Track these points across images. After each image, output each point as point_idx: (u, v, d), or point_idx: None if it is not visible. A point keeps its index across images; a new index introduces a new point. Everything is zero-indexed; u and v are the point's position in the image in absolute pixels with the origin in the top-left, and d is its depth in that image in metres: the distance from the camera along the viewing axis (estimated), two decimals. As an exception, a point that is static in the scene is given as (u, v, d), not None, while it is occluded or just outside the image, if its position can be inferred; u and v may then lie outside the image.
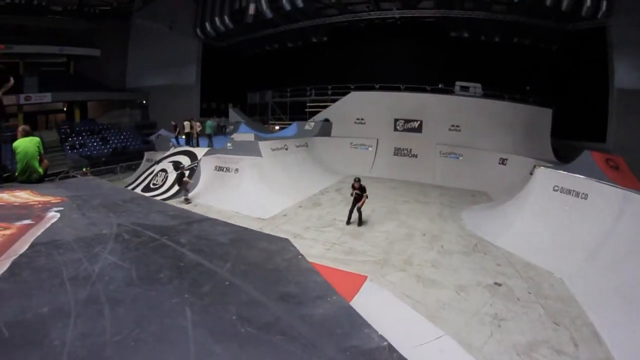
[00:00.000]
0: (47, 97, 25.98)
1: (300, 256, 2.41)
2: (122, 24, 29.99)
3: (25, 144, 5.44)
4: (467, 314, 5.87)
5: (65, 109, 30.26)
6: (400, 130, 19.24)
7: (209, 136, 17.65)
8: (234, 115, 26.75)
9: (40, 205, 3.44)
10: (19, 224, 2.75)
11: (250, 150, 13.76)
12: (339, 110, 20.92)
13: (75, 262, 2.10)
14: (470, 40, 22.32)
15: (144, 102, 31.49)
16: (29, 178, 5.40)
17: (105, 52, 29.96)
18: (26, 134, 5.67)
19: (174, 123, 19.72)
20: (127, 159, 22.32)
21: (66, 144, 24.22)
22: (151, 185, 14.48)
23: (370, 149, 19.02)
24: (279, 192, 12.51)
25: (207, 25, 26.20)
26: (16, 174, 5.56)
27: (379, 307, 4.51)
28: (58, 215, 2.99)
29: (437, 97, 19.36)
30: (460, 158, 17.17)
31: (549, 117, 17.51)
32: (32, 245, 2.32)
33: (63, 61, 30.86)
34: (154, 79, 30.41)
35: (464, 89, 19.83)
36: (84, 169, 19.95)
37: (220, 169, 13.59)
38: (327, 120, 20.72)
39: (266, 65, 29.99)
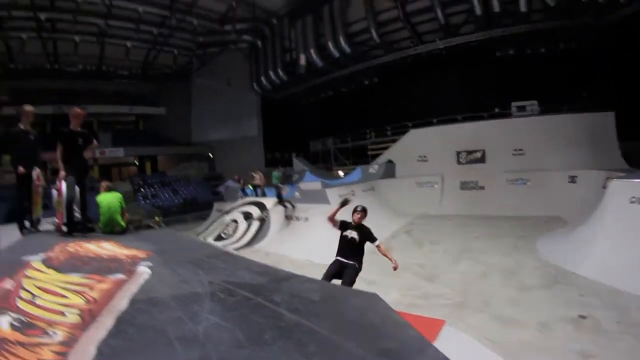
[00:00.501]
0: (119, 151, 28.88)
1: (392, 311, 2.42)
2: (184, 84, 32.49)
3: (109, 199, 6.03)
4: (552, 352, 5.43)
5: (137, 162, 32.87)
6: (464, 163, 18.60)
7: (276, 187, 18.02)
8: (298, 164, 27.22)
9: (129, 260, 3.63)
10: (112, 277, 2.90)
11: (318, 198, 13.87)
12: (400, 150, 20.74)
13: (178, 321, 2.19)
14: (517, 56, 21.60)
15: (210, 155, 33.17)
16: (112, 230, 5.92)
17: (170, 109, 32.65)
18: (109, 190, 6.33)
19: (237, 177, 20.45)
20: (196, 209, 23.25)
21: (139, 194, 26.07)
22: (222, 235, 14.97)
23: (436, 186, 18.49)
24: (350, 238, 12.44)
25: (263, 79, 27.47)
26: (99, 225, 6.05)
27: (459, 352, 4.35)
28: (148, 270, 3.13)
29: (495, 122, 18.75)
30: (528, 183, 16.22)
31: (612, 120, 16.01)
32: (131, 302, 2.44)
33: (132, 119, 34.23)
34: (218, 132, 32.50)
35: (521, 109, 19.00)
36: (157, 218, 20.97)
37: (289, 218, 13.88)
38: (390, 161, 20.55)
39: (324, 112, 30.73)
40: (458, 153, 18.71)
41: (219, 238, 14.74)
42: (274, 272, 3.37)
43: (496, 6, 18.31)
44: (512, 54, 21.70)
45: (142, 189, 27.03)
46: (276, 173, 18.87)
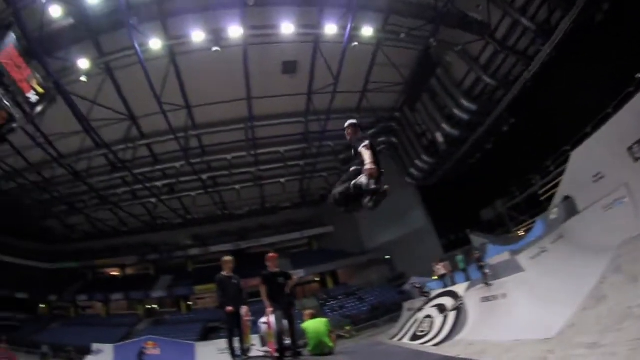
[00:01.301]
0: (300, 272, 30.90)
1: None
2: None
3: (316, 325, 6.68)
4: None
5: (317, 279, 35.14)
6: (641, 155, 14.59)
7: (464, 270, 17.23)
8: (476, 239, 24.72)
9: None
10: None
11: (510, 268, 12.39)
12: (571, 179, 17.51)
13: None
14: (614, 7, 17.59)
15: (387, 257, 33.56)
16: (321, 352, 6.50)
17: (337, 225, 35.00)
18: (313, 316, 7.13)
19: (414, 283, 20.16)
20: (385, 312, 23.16)
21: (325, 308, 27.36)
22: (418, 333, 14.22)
23: (625, 199, 13.79)
24: (556, 301, 10.25)
25: (412, 170, 27.75)
26: (308, 349, 6.68)
27: None
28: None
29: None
30: None
31: None
32: None
33: (305, 242, 37.52)
34: (388, 234, 32.54)
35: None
36: (347, 328, 21.43)
37: (486, 299, 12.33)
38: (566, 197, 17.43)
39: (480, 177, 28.31)
40: (630, 149, 14.06)
41: (414, 337, 14.04)
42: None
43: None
44: (608, 8, 17.79)
45: (327, 303, 28.46)
46: (460, 257, 18.06)
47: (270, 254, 6.84)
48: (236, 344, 6.97)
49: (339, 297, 29.53)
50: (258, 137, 25.21)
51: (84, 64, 17.22)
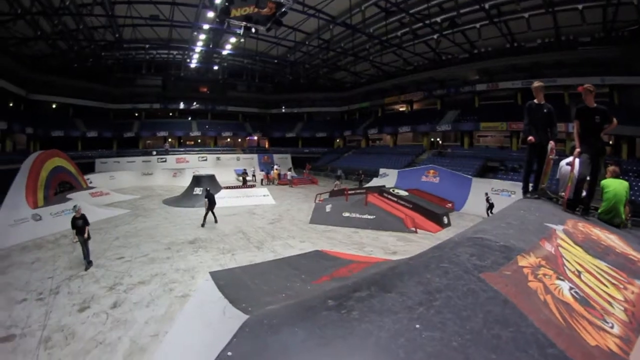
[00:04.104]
0: None
1: None
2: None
3: (616, 186, 5.64)
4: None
5: (610, 142, 28.04)
6: None
7: None
8: None
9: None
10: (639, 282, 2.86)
11: None
12: None
13: None
14: None
15: None
16: (610, 220, 5.50)
17: None
18: (616, 176, 5.90)
19: None
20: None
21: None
22: None
23: None
24: None
25: None
26: (599, 210, 5.73)
27: None
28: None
29: None
30: None
31: None
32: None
33: (605, 92, 29.36)
34: None
35: None
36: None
37: None
38: None
39: None
40: None
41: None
42: None
43: None
44: None
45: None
46: None
47: (586, 85, 5.64)
48: (532, 180, 6.42)
49: (630, 172, 23.02)
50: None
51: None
